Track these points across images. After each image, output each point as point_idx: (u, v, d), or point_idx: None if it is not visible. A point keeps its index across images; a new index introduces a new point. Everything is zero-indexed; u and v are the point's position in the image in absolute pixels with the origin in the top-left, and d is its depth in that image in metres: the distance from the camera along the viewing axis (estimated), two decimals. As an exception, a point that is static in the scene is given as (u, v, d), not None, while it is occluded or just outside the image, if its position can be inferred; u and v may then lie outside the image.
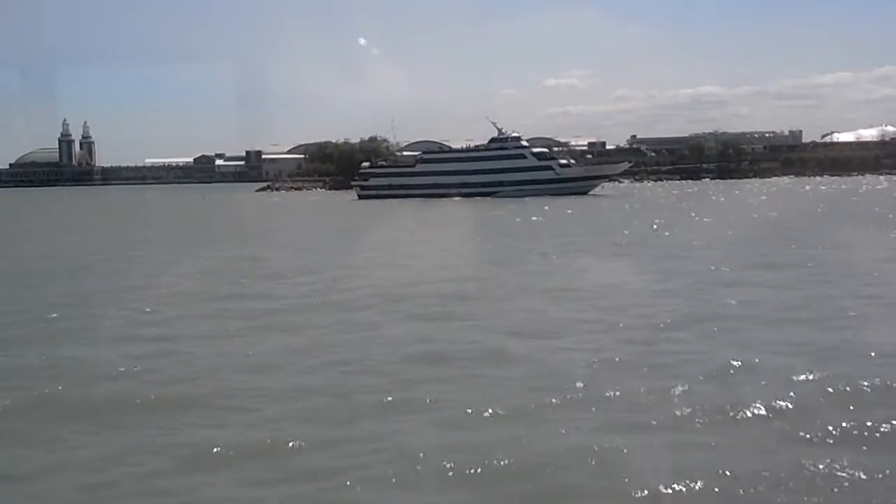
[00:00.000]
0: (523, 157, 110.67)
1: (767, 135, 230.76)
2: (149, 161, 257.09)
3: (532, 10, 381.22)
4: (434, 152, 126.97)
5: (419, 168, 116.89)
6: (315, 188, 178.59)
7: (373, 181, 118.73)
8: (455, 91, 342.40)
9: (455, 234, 52.70)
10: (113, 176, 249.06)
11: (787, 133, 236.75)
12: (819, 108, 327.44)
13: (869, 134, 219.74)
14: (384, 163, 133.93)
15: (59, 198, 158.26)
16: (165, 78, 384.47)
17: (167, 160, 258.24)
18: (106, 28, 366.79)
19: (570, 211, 75.03)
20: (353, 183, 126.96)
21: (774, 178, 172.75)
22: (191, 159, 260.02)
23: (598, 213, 73.29)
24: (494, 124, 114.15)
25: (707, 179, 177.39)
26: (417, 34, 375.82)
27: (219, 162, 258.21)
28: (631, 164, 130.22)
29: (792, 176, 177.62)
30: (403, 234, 53.57)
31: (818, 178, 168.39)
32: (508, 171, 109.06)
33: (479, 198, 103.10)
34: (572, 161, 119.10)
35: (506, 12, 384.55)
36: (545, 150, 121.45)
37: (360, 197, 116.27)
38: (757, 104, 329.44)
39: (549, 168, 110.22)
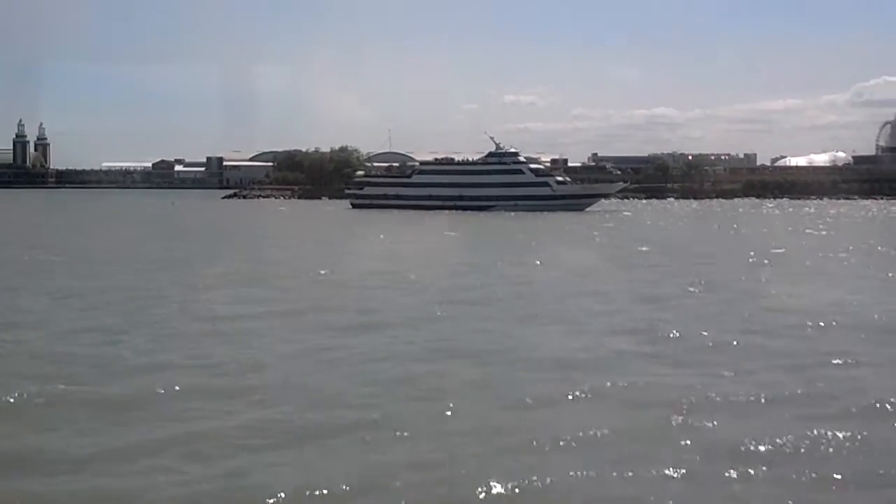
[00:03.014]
0: (521, 172, 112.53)
1: (724, 157, 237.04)
2: (105, 165, 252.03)
3: (490, 29, 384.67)
4: (431, 164, 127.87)
5: (415, 179, 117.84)
6: (283, 197, 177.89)
7: (367, 191, 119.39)
8: (417, 105, 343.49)
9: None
10: (68, 179, 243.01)
11: (742, 156, 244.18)
12: (768, 133, 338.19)
13: (821, 159, 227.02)
14: (377, 173, 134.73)
15: (30, 200, 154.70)
16: (125, 80, 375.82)
17: (125, 164, 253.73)
18: (67, 26, 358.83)
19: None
20: (346, 192, 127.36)
21: (737, 200, 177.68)
22: (149, 164, 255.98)
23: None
24: (492, 139, 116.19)
25: (672, 199, 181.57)
26: (383, 49, 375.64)
27: (178, 168, 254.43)
28: (626, 184, 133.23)
29: (754, 198, 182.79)
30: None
31: (780, 201, 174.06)
32: (505, 185, 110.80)
33: (474, 212, 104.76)
34: (567, 178, 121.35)
35: (466, 29, 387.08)
36: (541, 166, 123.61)
37: (354, 206, 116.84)
38: (709, 127, 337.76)
39: (546, 184, 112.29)
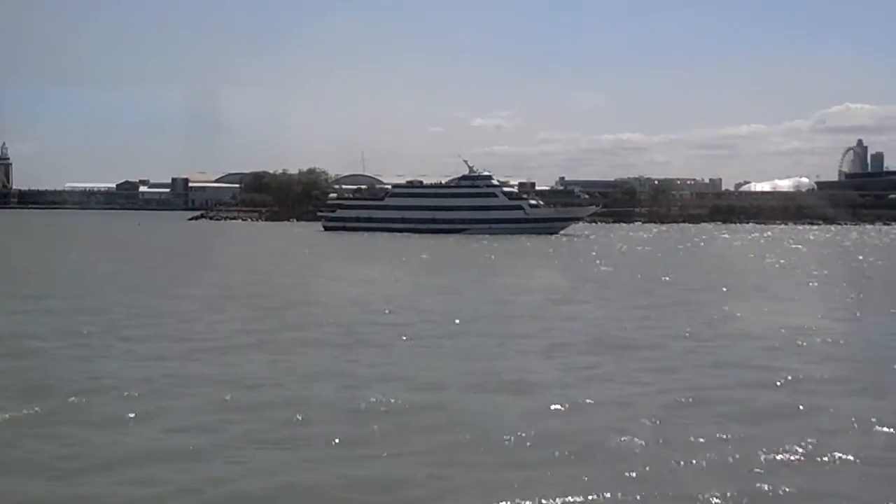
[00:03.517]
0: (494, 195, 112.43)
1: (689, 182, 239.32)
2: (69, 185, 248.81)
3: (458, 53, 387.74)
4: (404, 186, 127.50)
5: (389, 202, 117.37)
6: (250, 219, 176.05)
7: (340, 213, 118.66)
8: (384, 128, 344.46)
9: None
10: (31, 199, 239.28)
11: (707, 181, 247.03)
12: (732, 158, 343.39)
13: (784, 185, 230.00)
14: (349, 195, 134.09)
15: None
16: (89, 101, 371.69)
17: (88, 185, 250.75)
18: (31, 47, 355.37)
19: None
20: (319, 214, 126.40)
21: (703, 224, 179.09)
22: (113, 185, 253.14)
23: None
24: (466, 162, 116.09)
25: (639, 223, 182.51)
26: (351, 73, 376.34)
27: (143, 189, 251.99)
28: (599, 207, 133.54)
29: (720, 223, 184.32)
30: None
31: (745, 225, 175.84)
32: (479, 208, 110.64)
33: (447, 234, 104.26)
34: (541, 202, 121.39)
35: (433, 53, 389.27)
36: (514, 189, 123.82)
37: (326, 229, 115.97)
38: (674, 152, 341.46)
39: (520, 208, 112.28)
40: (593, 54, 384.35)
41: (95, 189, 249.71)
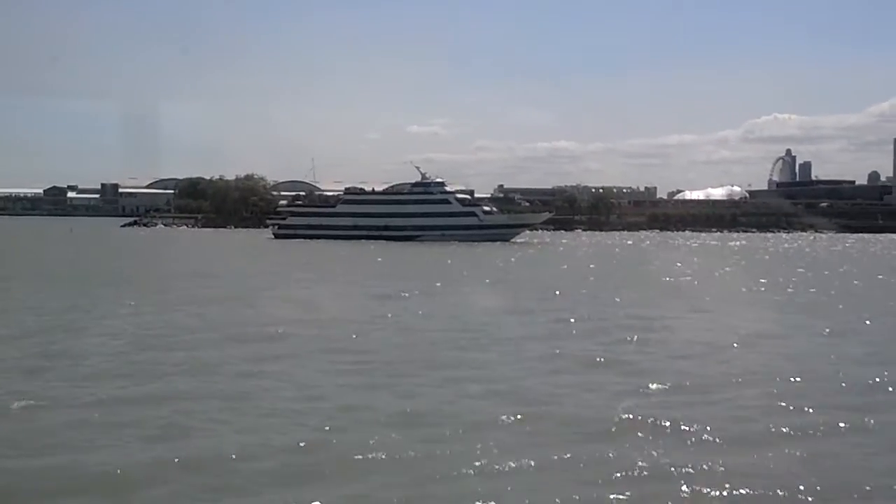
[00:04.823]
0: (448, 202, 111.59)
1: (625, 190, 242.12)
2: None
3: (394, 60, 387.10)
4: (357, 193, 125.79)
5: (340, 209, 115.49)
6: (186, 225, 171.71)
7: (291, 220, 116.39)
8: (320, 134, 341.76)
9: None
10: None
11: (643, 189, 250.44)
12: (664, 167, 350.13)
13: (718, 193, 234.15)
14: (300, 202, 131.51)
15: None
16: (15, 105, 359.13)
17: (13, 190, 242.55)
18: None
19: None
20: (269, 221, 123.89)
21: (643, 232, 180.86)
22: (40, 190, 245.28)
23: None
24: (418, 168, 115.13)
25: (580, 231, 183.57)
26: (288, 79, 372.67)
27: (71, 194, 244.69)
28: (552, 214, 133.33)
29: (657, 230, 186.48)
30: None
31: (683, 233, 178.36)
32: (432, 215, 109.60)
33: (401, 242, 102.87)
34: (494, 208, 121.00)
35: (370, 60, 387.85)
36: (468, 196, 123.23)
37: (277, 236, 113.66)
38: (608, 160, 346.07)
39: (473, 214, 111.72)
40: (528, 65, 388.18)
41: (21, 194, 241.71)
